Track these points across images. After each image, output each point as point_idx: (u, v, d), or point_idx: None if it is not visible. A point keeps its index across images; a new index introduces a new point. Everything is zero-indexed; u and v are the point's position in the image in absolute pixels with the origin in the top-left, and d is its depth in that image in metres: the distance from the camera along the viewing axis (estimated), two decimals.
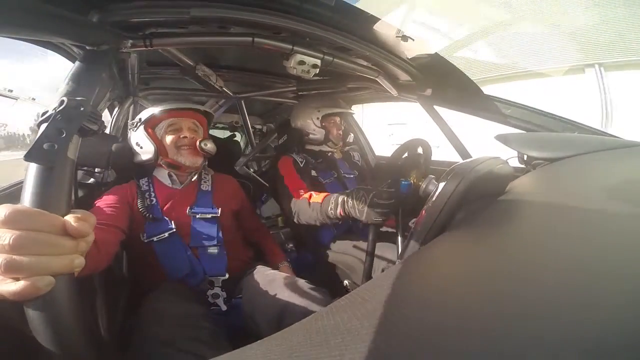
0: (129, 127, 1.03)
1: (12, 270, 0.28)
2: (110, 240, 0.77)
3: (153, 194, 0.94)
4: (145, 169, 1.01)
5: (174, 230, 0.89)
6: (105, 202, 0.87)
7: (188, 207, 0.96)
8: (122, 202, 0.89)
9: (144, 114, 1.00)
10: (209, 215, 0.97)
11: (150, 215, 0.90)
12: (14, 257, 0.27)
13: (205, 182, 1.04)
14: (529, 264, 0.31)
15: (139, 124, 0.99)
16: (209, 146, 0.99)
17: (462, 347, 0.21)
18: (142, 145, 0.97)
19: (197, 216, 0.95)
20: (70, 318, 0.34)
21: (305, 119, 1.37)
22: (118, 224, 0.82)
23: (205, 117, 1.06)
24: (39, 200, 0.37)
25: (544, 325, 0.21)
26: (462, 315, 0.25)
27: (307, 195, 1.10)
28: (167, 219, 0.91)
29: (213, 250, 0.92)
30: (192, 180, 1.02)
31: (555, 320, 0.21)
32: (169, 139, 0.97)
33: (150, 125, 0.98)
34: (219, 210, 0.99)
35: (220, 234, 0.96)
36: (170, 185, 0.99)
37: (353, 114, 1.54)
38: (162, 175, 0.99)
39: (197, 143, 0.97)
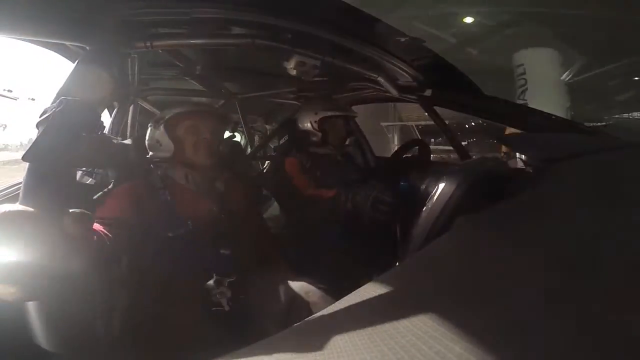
0: (150, 124, 1.04)
1: (10, 271, 0.28)
2: (118, 240, 0.76)
3: (167, 192, 0.95)
4: (156, 168, 1.02)
5: (190, 228, 0.90)
6: (116, 200, 0.87)
7: (208, 207, 0.96)
8: (133, 201, 0.89)
9: (167, 112, 1.02)
10: (225, 217, 0.98)
11: (163, 214, 0.90)
12: (12, 258, 0.27)
13: (219, 182, 1.06)
14: (528, 264, 0.31)
15: (161, 121, 1.00)
16: (223, 149, 1.01)
17: (463, 348, 0.21)
18: (162, 143, 0.99)
19: (215, 217, 0.96)
20: (69, 318, 0.34)
21: (306, 122, 1.38)
22: (129, 222, 0.82)
23: (223, 121, 1.09)
24: (38, 200, 0.37)
25: (544, 327, 0.21)
26: (462, 316, 0.25)
27: (317, 192, 1.11)
28: (182, 217, 0.91)
29: (225, 251, 0.93)
30: (208, 181, 1.03)
31: (555, 322, 0.21)
32: (188, 139, 0.99)
33: (171, 124, 1.00)
34: (236, 211, 1.00)
35: (232, 235, 0.96)
36: (185, 185, 1.00)
37: (355, 116, 1.53)
38: (179, 175, 1.00)
39: (214, 146, 1.00)
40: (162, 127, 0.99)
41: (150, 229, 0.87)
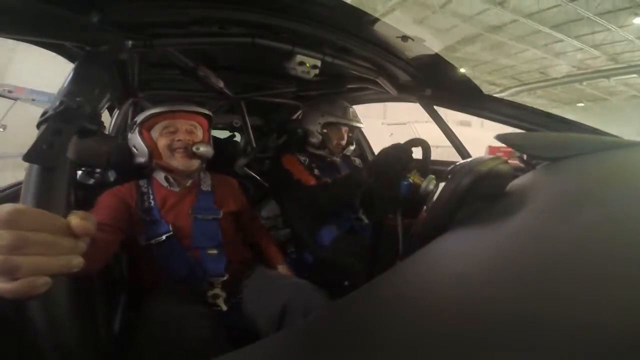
0: (127, 128, 1.03)
1: (10, 270, 0.28)
2: (109, 240, 0.77)
3: (152, 196, 0.94)
4: (145, 170, 1.01)
5: (171, 233, 0.89)
6: (105, 202, 0.87)
7: (189, 208, 0.95)
8: (122, 203, 0.89)
9: (140, 116, 0.99)
10: (210, 217, 0.97)
11: (148, 218, 0.90)
12: (12, 257, 0.27)
13: (204, 182, 1.04)
14: (529, 263, 0.31)
15: (135, 126, 0.98)
16: (202, 149, 0.95)
17: (463, 346, 0.21)
18: (138, 147, 0.97)
19: (199, 217, 0.95)
20: (69, 318, 0.34)
21: (310, 122, 1.38)
22: (117, 224, 0.82)
23: (205, 118, 1.05)
24: (39, 200, 0.37)
25: (545, 324, 0.21)
26: (463, 315, 0.25)
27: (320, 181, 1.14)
28: (164, 221, 0.90)
29: (213, 251, 0.92)
30: (190, 184, 1.01)
31: (556, 319, 0.21)
32: (163, 141, 0.96)
33: (146, 127, 0.97)
34: (221, 212, 0.99)
35: (221, 235, 0.96)
36: (168, 187, 0.98)
37: (360, 126, 1.48)
38: (160, 177, 0.99)
39: (190, 147, 0.95)
40: (136, 131, 0.97)
41: (133, 234, 0.87)
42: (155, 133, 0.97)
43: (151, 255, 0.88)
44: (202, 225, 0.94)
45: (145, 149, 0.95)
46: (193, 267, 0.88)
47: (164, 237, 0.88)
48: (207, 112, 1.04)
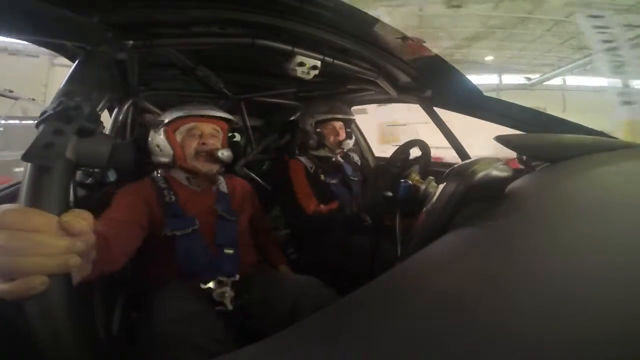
0: (151, 126, 1.04)
1: (6, 270, 0.28)
2: (127, 238, 0.76)
3: (172, 192, 0.95)
4: (157, 169, 1.02)
5: (197, 227, 0.90)
6: (123, 199, 0.87)
7: (213, 206, 0.97)
8: (140, 199, 0.89)
9: (167, 116, 1.01)
10: (231, 218, 0.98)
11: (171, 212, 0.90)
12: (7, 257, 0.27)
13: (221, 184, 1.06)
14: (529, 265, 0.31)
15: (161, 125, 1.00)
16: (226, 155, 1.00)
17: (462, 347, 0.21)
18: (162, 147, 0.98)
19: (224, 215, 0.97)
20: (68, 318, 0.34)
21: (305, 124, 1.40)
22: (138, 220, 0.82)
23: (227, 123, 1.08)
24: (37, 200, 0.36)
25: (544, 326, 0.21)
26: (462, 316, 0.25)
27: (319, 209, 1.23)
28: (190, 215, 0.91)
29: (230, 250, 0.93)
30: (210, 182, 1.04)
31: (556, 321, 0.21)
32: (189, 144, 0.98)
33: (172, 128, 0.99)
34: (239, 215, 1.01)
35: (236, 236, 0.96)
36: (189, 186, 1.00)
37: (352, 119, 1.51)
38: (180, 176, 1.01)
39: (215, 152, 0.98)
40: (161, 132, 0.99)
41: (157, 227, 0.87)
42: (180, 134, 0.99)
43: (170, 247, 0.87)
44: (224, 224, 0.96)
45: (170, 150, 0.96)
46: (209, 264, 0.88)
47: (190, 229, 0.88)
48: (230, 117, 1.08)
